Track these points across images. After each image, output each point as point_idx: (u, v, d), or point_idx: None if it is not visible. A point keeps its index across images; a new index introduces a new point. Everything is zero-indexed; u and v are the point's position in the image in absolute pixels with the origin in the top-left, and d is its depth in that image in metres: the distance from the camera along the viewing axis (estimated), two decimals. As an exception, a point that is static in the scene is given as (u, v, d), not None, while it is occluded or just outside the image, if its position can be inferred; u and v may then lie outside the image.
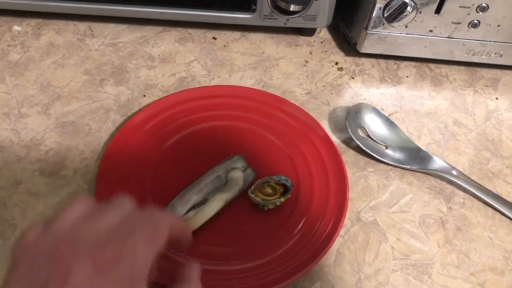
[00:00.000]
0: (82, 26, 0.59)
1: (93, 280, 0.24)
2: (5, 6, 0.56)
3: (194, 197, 0.41)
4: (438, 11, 0.51)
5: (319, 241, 0.41)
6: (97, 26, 0.59)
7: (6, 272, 0.26)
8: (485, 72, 0.59)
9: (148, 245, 0.27)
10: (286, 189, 0.43)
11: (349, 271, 0.41)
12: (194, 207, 0.41)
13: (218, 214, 0.41)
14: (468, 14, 0.51)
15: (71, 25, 0.59)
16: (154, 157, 0.46)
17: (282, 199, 0.42)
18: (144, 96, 0.53)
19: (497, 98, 0.57)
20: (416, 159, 0.49)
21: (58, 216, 0.27)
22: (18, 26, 0.59)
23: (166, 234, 0.28)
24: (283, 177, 0.44)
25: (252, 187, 0.43)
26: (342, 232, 0.43)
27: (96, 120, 0.50)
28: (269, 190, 0.43)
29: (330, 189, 0.44)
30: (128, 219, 0.28)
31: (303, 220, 0.42)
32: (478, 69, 0.60)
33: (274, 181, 0.44)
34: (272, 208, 0.42)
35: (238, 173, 0.44)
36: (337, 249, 0.42)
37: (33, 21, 0.59)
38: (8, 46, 0.56)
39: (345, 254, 0.42)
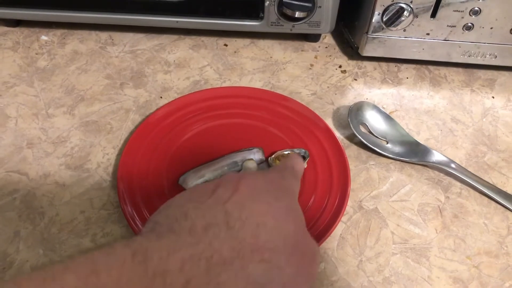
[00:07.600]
0: (103, 35, 0.64)
1: (262, 183, 0.32)
2: (33, 17, 0.61)
3: (208, 174, 0.44)
4: (433, 15, 0.55)
5: (321, 226, 0.44)
6: (117, 35, 0.64)
7: None
8: (482, 73, 0.62)
9: (296, 181, 0.37)
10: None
11: (351, 254, 0.44)
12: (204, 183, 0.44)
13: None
14: (462, 17, 0.54)
15: (93, 34, 0.64)
16: (171, 150, 0.49)
17: None
18: (161, 97, 0.57)
19: (493, 97, 0.60)
20: (415, 152, 0.52)
21: None
22: (45, 36, 0.64)
23: (301, 173, 0.39)
24: (303, 150, 0.48)
25: (273, 156, 0.46)
26: (344, 219, 0.46)
27: (117, 119, 0.54)
28: None
29: (333, 178, 0.47)
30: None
31: (307, 207, 0.45)
32: (475, 70, 0.63)
33: (295, 152, 0.48)
34: None
35: (252, 165, 0.47)
36: (340, 234, 0.45)
37: (59, 32, 0.64)
38: (36, 54, 0.61)
39: (347, 239, 0.45)
